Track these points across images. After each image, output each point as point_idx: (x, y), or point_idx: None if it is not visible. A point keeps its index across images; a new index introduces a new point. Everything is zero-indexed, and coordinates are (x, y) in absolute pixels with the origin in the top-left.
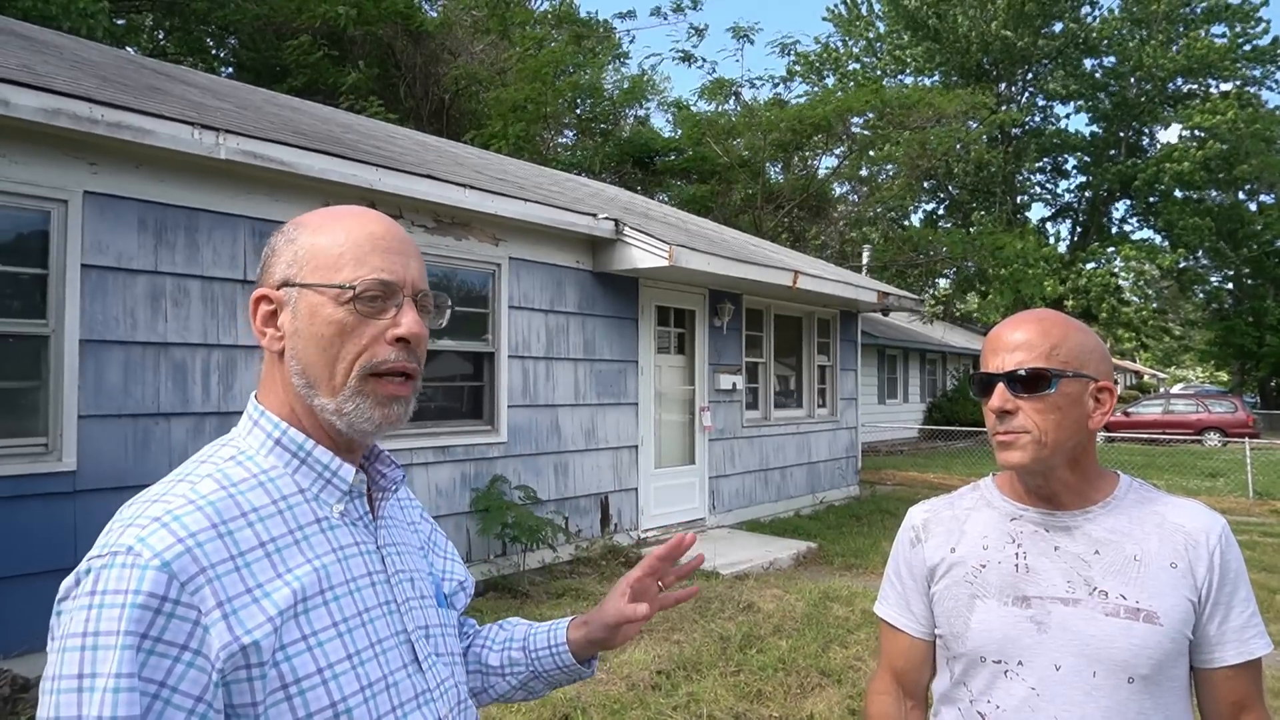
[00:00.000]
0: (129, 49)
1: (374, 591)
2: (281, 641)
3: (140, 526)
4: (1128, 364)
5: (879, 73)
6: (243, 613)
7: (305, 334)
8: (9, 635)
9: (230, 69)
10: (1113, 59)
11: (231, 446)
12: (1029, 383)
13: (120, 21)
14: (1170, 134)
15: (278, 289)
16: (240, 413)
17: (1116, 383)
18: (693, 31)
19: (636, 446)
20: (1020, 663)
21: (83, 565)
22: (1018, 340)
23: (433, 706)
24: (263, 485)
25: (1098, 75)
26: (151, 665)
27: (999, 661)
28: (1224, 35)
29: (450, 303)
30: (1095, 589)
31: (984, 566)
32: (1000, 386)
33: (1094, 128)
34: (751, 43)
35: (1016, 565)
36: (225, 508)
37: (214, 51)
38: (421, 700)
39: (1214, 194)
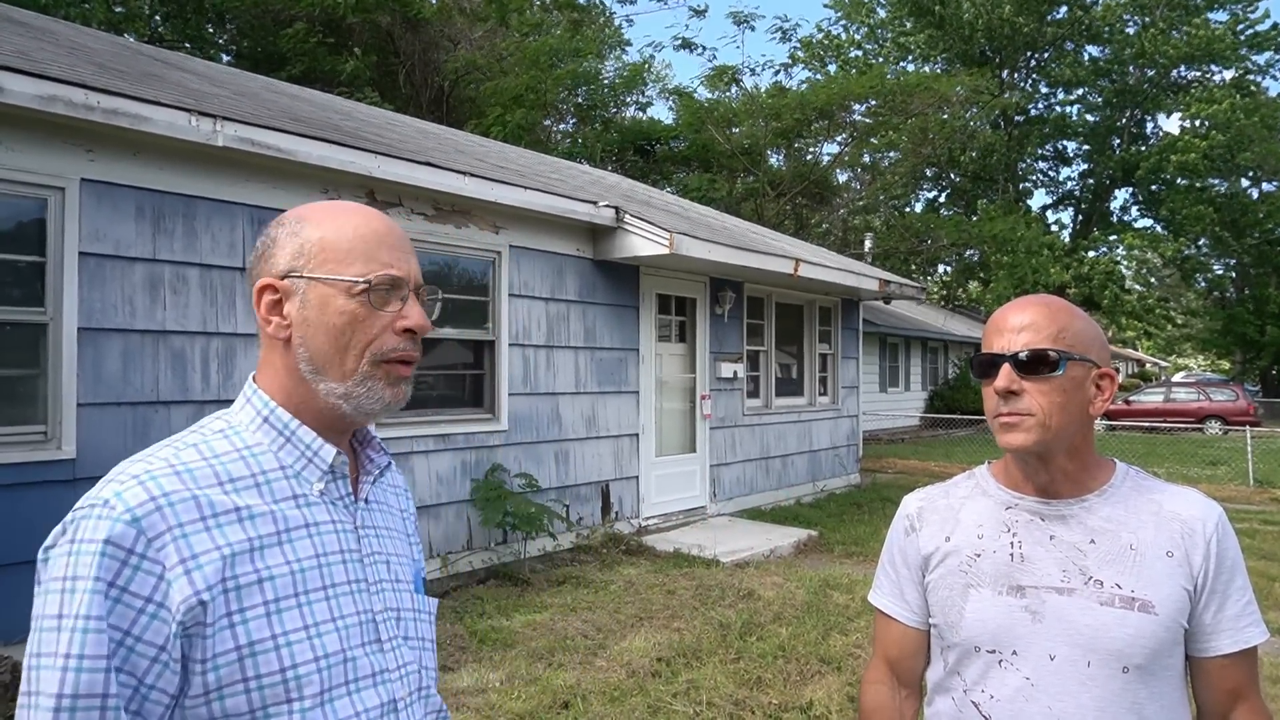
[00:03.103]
0: (127, 36)
1: (344, 569)
2: (241, 604)
3: (120, 483)
4: (1129, 352)
5: (881, 60)
6: (207, 569)
7: (316, 323)
8: (9, 623)
9: (228, 57)
10: (1114, 45)
11: (223, 420)
12: (1036, 364)
13: (118, 9)
14: (1172, 122)
15: (282, 279)
16: None
17: (1117, 370)
18: (693, 13)
19: (637, 435)
20: (1014, 652)
21: (69, 516)
22: (1024, 322)
23: (389, 687)
24: (244, 459)
25: (1100, 62)
26: (118, 613)
27: (993, 651)
28: (1223, 22)
29: (440, 295)
30: (1090, 578)
31: (979, 555)
32: (1006, 367)
33: (1094, 116)
34: (752, 29)
35: (1011, 554)
36: (202, 474)
37: (212, 39)
38: (379, 679)
39: (1216, 182)
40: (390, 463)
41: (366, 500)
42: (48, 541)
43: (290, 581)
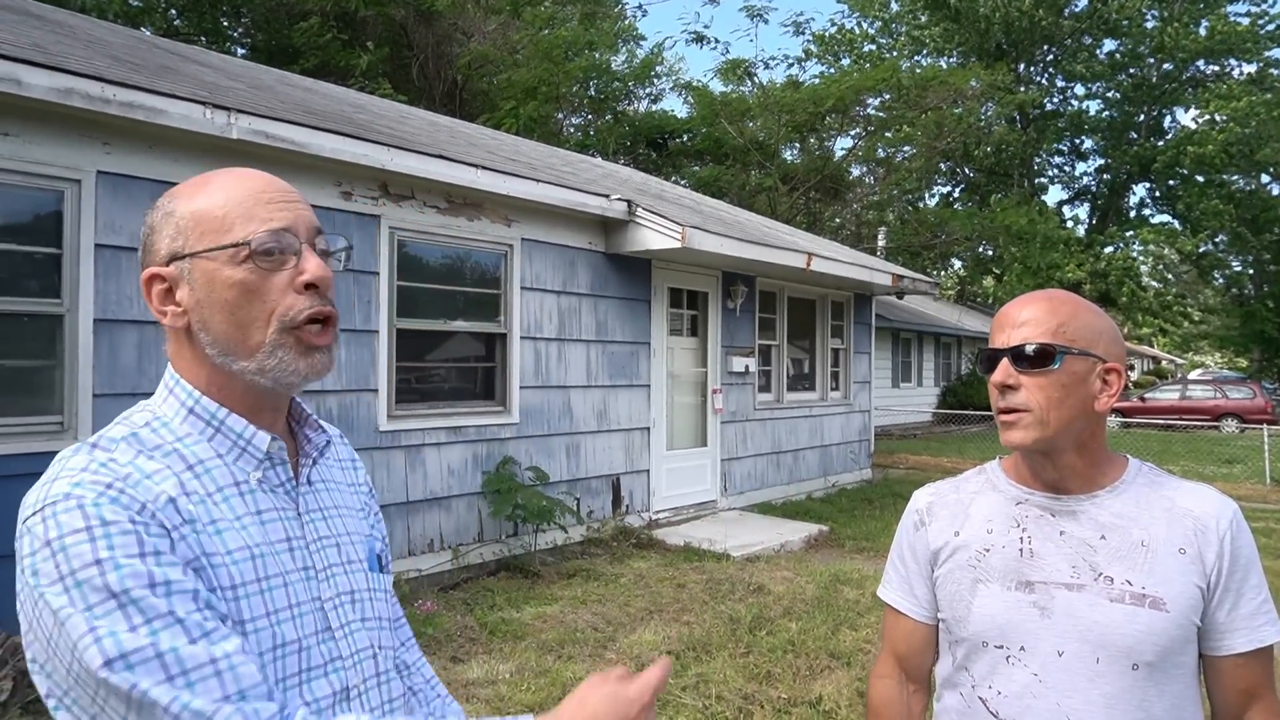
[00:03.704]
0: (143, 29)
1: (291, 557)
2: (212, 584)
3: (66, 480)
4: (1145, 349)
5: (895, 54)
6: (189, 540)
7: (209, 303)
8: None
9: (243, 50)
10: (1132, 39)
11: (147, 412)
12: (1033, 358)
13: (134, 2)
14: (1189, 118)
15: (167, 265)
16: None
17: (1131, 367)
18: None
19: (648, 428)
20: (1023, 648)
21: (20, 528)
22: (1025, 317)
23: (341, 675)
24: (178, 451)
25: (1118, 56)
26: (150, 540)
27: (1001, 647)
28: (1246, 15)
29: (349, 244)
30: (1100, 574)
31: (988, 550)
32: (1004, 361)
33: (1111, 111)
34: (765, 22)
35: (1021, 550)
36: (143, 463)
37: (227, 32)
38: (330, 668)
39: (1235, 178)
40: (330, 439)
41: (310, 482)
42: (30, 548)
43: (251, 567)
